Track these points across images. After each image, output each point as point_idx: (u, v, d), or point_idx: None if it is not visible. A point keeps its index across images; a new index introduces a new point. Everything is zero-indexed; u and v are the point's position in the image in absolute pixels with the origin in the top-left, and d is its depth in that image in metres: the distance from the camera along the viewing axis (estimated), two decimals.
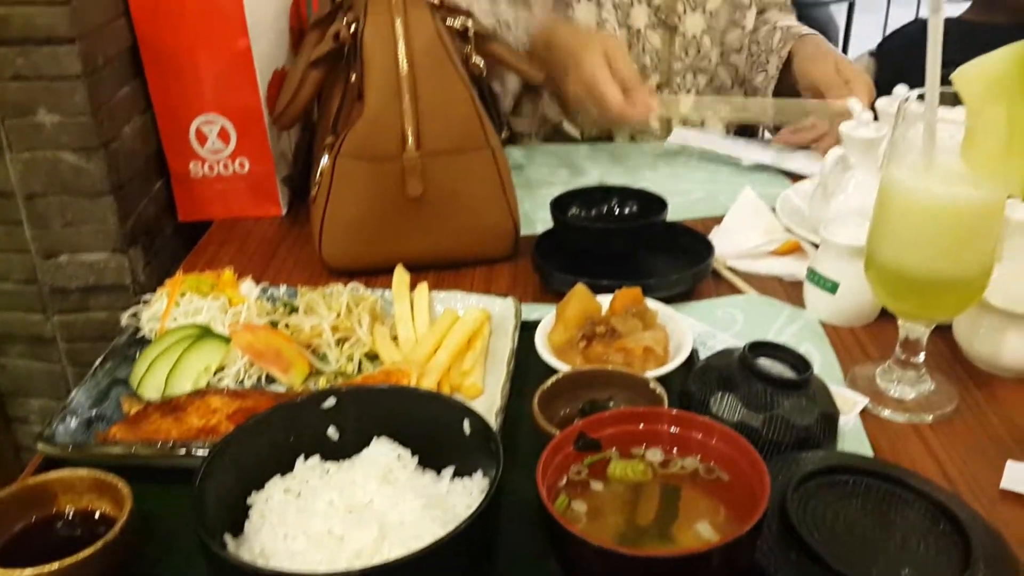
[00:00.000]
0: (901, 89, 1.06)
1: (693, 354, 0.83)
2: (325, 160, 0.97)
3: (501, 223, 1.03)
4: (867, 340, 0.90)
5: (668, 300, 0.92)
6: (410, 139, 0.95)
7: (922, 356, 0.81)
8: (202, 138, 1.08)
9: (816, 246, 0.98)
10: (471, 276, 1.03)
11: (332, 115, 1.01)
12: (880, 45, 1.82)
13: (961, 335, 0.86)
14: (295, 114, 1.04)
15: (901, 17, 4.20)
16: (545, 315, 0.86)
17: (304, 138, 1.21)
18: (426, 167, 0.96)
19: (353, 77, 0.97)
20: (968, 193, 0.72)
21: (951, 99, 0.71)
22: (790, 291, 0.99)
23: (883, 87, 1.20)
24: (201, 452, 0.67)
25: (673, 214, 1.09)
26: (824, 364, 0.86)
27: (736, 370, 0.73)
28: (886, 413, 0.79)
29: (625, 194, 1.08)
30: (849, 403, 0.80)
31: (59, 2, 0.90)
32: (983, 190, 0.72)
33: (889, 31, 1.93)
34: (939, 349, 0.87)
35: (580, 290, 0.86)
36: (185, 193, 1.12)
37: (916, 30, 1.77)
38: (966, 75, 0.69)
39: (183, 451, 0.68)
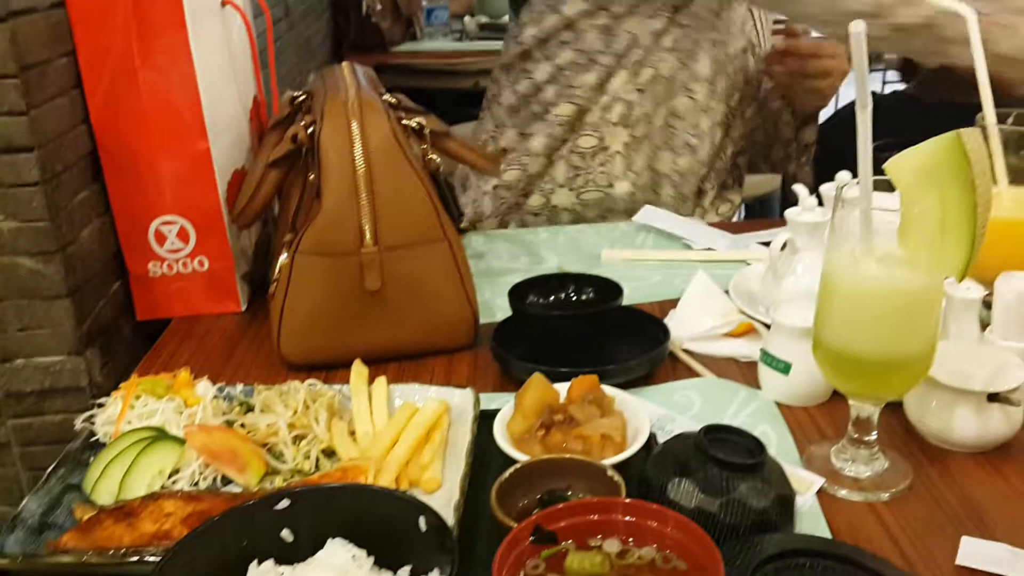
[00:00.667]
0: (843, 175, 1.10)
1: (651, 439, 0.84)
2: (284, 257, 0.99)
3: (460, 313, 1.04)
4: (821, 419, 0.92)
5: (627, 384, 0.93)
6: (368, 235, 0.97)
7: (874, 434, 0.82)
8: (161, 239, 1.09)
9: (768, 327, 1.00)
10: (431, 366, 1.04)
11: (291, 213, 1.03)
12: (823, 125, 1.88)
13: (912, 412, 0.87)
14: (254, 213, 1.05)
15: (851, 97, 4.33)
16: (505, 404, 0.87)
17: (264, 234, 1.23)
18: (384, 261, 0.98)
19: (311, 176, 1.00)
20: (906, 277, 0.74)
21: (887, 185, 0.74)
22: (746, 372, 1.01)
23: (827, 167, 1.24)
24: (153, 559, 0.66)
25: (631, 298, 1.11)
26: (780, 445, 0.87)
27: (692, 455, 0.74)
28: (842, 493, 0.80)
29: (582, 280, 1.10)
30: (805, 484, 0.80)
31: (18, 112, 0.91)
32: (921, 273, 0.74)
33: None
34: (892, 426, 0.89)
35: (537, 379, 0.87)
36: (144, 293, 1.13)
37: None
38: (898, 166, 0.73)
39: (135, 558, 0.67)
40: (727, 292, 1.16)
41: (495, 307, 1.16)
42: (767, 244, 1.21)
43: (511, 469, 0.74)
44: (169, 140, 1.05)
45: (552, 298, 1.08)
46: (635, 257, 1.33)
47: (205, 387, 0.87)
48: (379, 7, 2.87)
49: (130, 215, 1.08)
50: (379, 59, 2.81)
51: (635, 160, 1.51)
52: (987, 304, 0.95)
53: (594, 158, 1.51)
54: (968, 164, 0.70)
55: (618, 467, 0.75)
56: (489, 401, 0.91)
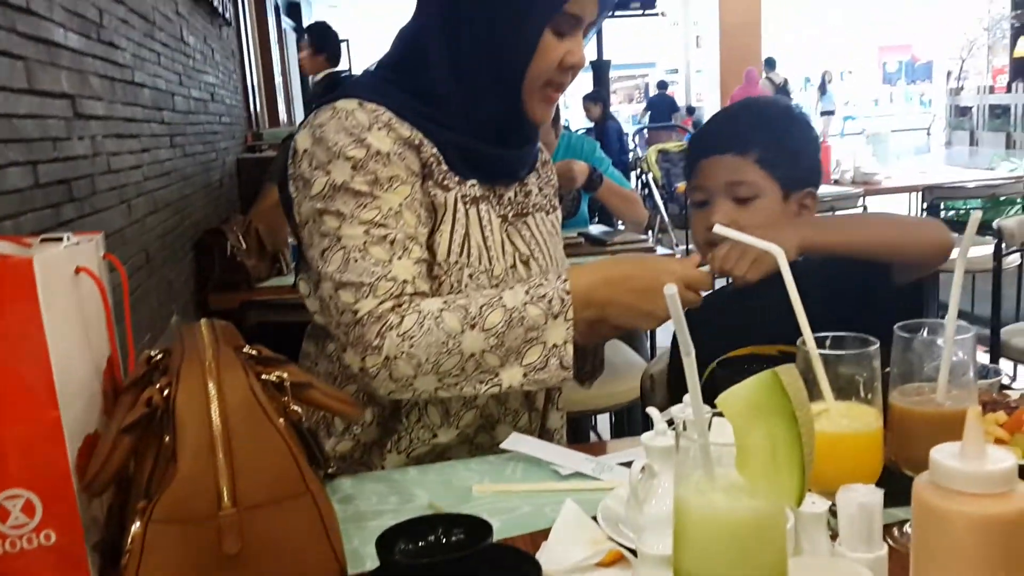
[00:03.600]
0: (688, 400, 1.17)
1: None
2: (136, 526, 0.95)
3: (326, 569, 1.01)
4: None
5: None
6: (226, 497, 0.95)
7: None
8: (4, 514, 1.03)
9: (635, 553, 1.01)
10: None
11: (145, 478, 1.00)
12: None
13: None
14: (107, 481, 1.02)
15: None
16: None
17: (118, 499, 1.17)
18: (244, 522, 0.95)
19: (167, 439, 0.98)
20: (750, 505, 0.78)
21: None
22: None
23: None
24: None
25: (503, 531, 1.12)
26: None
27: None
28: None
29: (451, 521, 1.09)
30: None
31: None
32: (762, 500, 0.78)
33: None
34: None
35: None
36: None
37: None
38: (728, 402, 0.79)
39: None
40: (595, 518, 1.18)
41: (364, 555, 1.13)
42: (630, 464, 1.25)
43: None
44: (16, 411, 1.01)
45: (422, 543, 1.06)
46: (505, 489, 1.34)
47: None
48: (244, 246, 2.93)
49: None
50: (245, 296, 2.83)
51: (451, 404, 1.52)
52: (835, 513, 1.00)
53: (407, 416, 1.52)
54: (788, 399, 0.76)
55: None
56: None
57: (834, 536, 0.99)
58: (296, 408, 1.07)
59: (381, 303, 1.37)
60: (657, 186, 7.96)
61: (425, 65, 1.47)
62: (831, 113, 21.88)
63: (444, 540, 1.07)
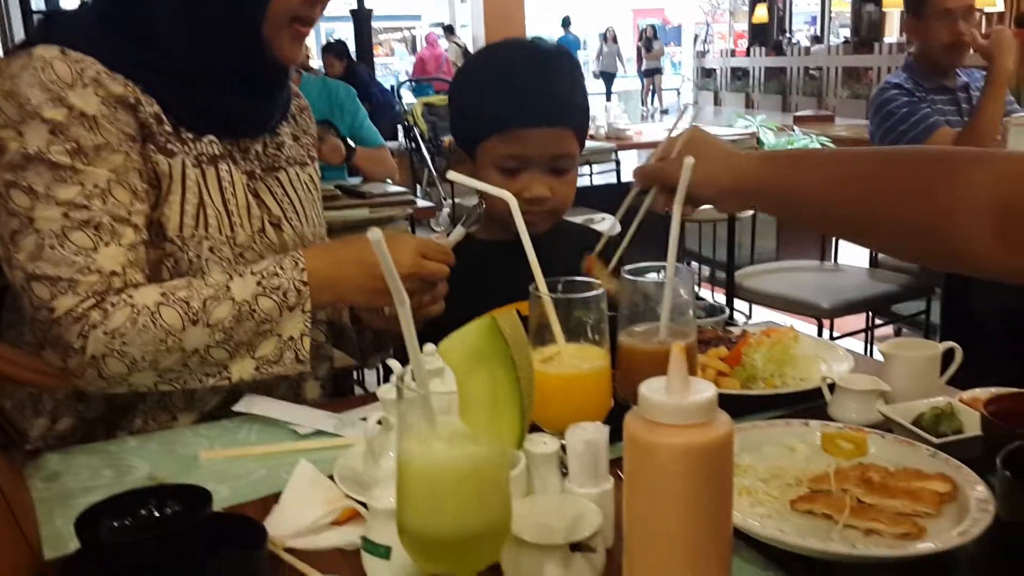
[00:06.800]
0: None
1: None
2: None
3: (15, 555, 0.89)
4: None
5: None
6: None
7: None
8: None
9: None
10: None
11: None
12: None
13: (509, 574, 0.89)
14: None
15: None
16: None
17: None
18: None
19: None
20: (468, 451, 0.76)
21: None
22: (353, 561, 0.97)
23: None
24: None
25: (232, 499, 1.05)
26: None
27: None
28: None
29: (165, 492, 0.99)
30: None
31: None
32: (483, 446, 0.77)
33: None
34: None
35: None
36: None
37: None
38: (448, 349, 0.76)
39: None
40: (332, 477, 1.12)
41: (69, 536, 1.01)
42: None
43: None
44: None
45: (130, 519, 0.96)
46: (237, 454, 1.25)
47: None
48: None
49: None
50: None
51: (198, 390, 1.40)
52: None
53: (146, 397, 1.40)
54: (505, 343, 0.74)
55: None
56: None
57: (568, 474, 1.00)
58: None
59: (82, 301, 1.21)
60: (424, 140, 7.90)
61: (149, 2, 1.29)
62: (658, 72, 22.55)
63: (158, 514, 0.98)
